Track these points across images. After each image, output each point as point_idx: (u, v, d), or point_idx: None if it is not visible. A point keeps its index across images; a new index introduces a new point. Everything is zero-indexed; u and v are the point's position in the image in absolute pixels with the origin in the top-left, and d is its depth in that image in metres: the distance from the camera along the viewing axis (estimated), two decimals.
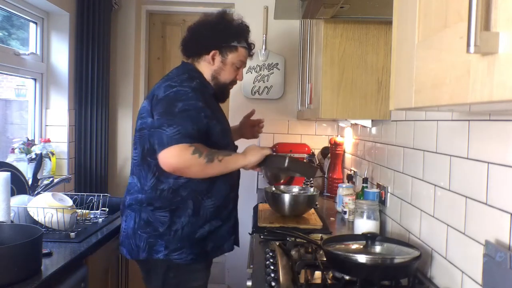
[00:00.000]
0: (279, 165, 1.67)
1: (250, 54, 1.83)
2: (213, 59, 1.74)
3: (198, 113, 1.59)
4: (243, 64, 1.81)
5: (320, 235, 1.72)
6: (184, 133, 1.52)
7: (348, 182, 2.39)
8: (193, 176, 1.60)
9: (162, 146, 1.52)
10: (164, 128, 1.53)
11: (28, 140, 2.41)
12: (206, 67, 1.75)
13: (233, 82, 1.82)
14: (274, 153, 1.67)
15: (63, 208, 1.70)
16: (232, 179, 1.76)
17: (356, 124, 2.39)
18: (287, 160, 1.65)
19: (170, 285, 1.66)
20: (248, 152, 1.65)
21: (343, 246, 1.41)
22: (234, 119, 3.16)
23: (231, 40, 1.74)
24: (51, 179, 2.27)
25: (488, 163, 1.05)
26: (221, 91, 1.80)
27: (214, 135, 1.66)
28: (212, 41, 1.73)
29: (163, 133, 1.53)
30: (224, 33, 1.73)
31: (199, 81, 1.70)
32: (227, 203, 1.74)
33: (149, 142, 1.62)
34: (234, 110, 3.18)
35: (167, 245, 1.62)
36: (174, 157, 1.51)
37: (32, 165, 2.15)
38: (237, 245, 1.84)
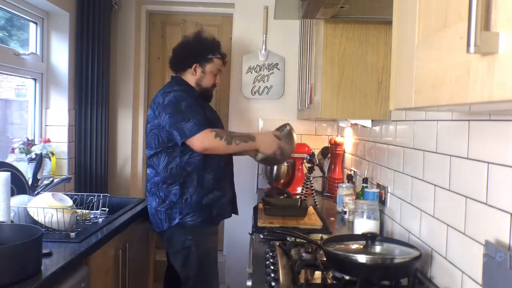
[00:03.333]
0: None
1: (223, 63, 2.28)
2: (195, 70, 2.18)
3: (197, 106, 2.05)
4: (219, 71, 2.24)
5: (320, 235, 1.72)
6: (200, 123, 1.97)
7: (348, 182, 2.39)
8: (218, 153, 2.05)
9: (185, 136, 1.97)
10: (182, 123, 1.96)
11: (28, 140, 2.41)
12: (191, 77, 2.20)
13: (213, 86, 2.24)
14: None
15: (63, 208, 1.70)
16: (225, 157, 2.17)
17: (356, 124, 2.39)
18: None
19: (188, 246, 2.07)
20: (262, 142, 2.09)
21: (343, 246, 1.41)
22: (234, 119, 3.18)
23: (206, 54, 2.18)
24: (51, 179, 2.27)
25: (488, 163, 1.05)
26: (205, 94, 2.23)
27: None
28: (192, 57, 2.17)
29: (184, 127, 1.96)
30: (201, 49, 2.17)
31: (184, 87, 2.14)
32: (224, 176, 2.17)
33: (160, 137, 2.06)
34: (234, 110, 3.18)
35: (181, 211, 2.06)
36: (203, 141, 1.96)
37: (32, 165, 2.15)
38: (236, 213, 2.29)
